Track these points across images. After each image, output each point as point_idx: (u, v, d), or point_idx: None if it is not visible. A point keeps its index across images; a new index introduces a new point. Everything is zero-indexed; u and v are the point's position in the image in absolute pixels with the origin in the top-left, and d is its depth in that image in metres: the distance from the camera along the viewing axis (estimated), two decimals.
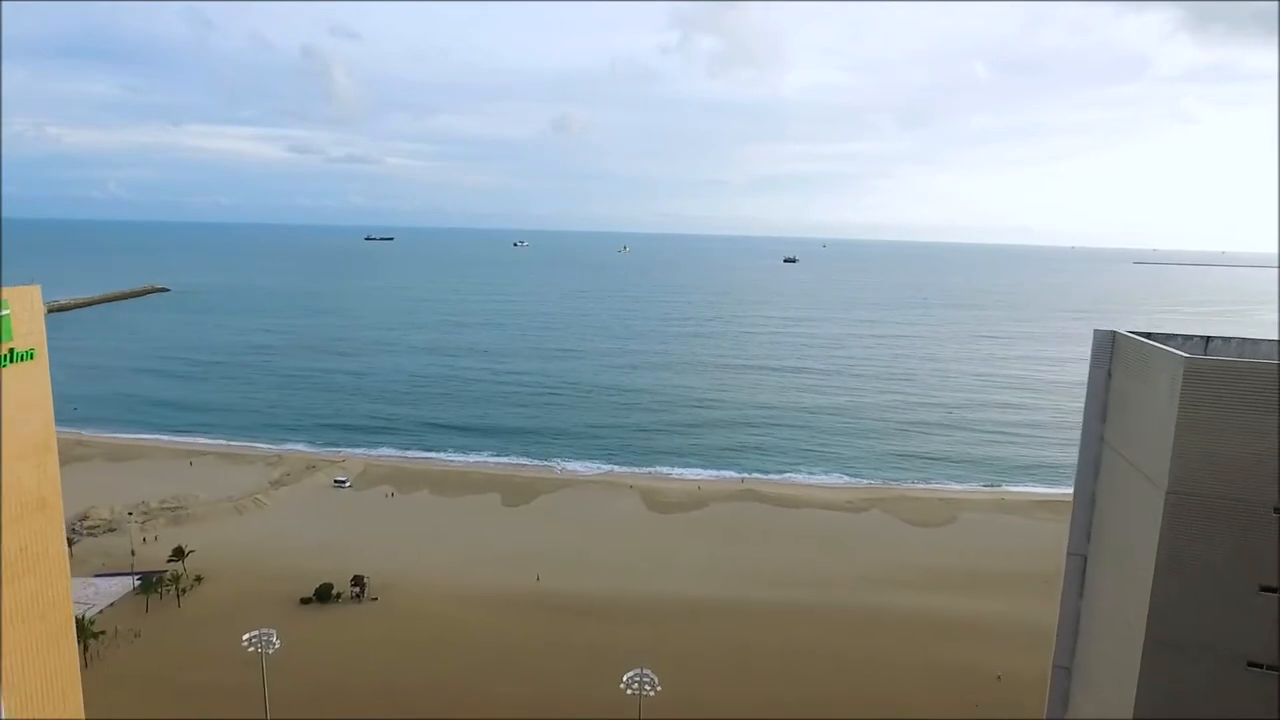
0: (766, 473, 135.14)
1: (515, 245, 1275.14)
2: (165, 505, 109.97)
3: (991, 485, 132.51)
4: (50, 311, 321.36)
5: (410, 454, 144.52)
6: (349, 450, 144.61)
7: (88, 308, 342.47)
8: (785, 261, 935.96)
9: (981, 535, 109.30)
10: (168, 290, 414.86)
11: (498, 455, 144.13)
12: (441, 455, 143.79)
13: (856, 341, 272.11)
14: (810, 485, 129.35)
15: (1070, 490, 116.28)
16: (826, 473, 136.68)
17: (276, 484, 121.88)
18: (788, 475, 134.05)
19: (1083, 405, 39.29)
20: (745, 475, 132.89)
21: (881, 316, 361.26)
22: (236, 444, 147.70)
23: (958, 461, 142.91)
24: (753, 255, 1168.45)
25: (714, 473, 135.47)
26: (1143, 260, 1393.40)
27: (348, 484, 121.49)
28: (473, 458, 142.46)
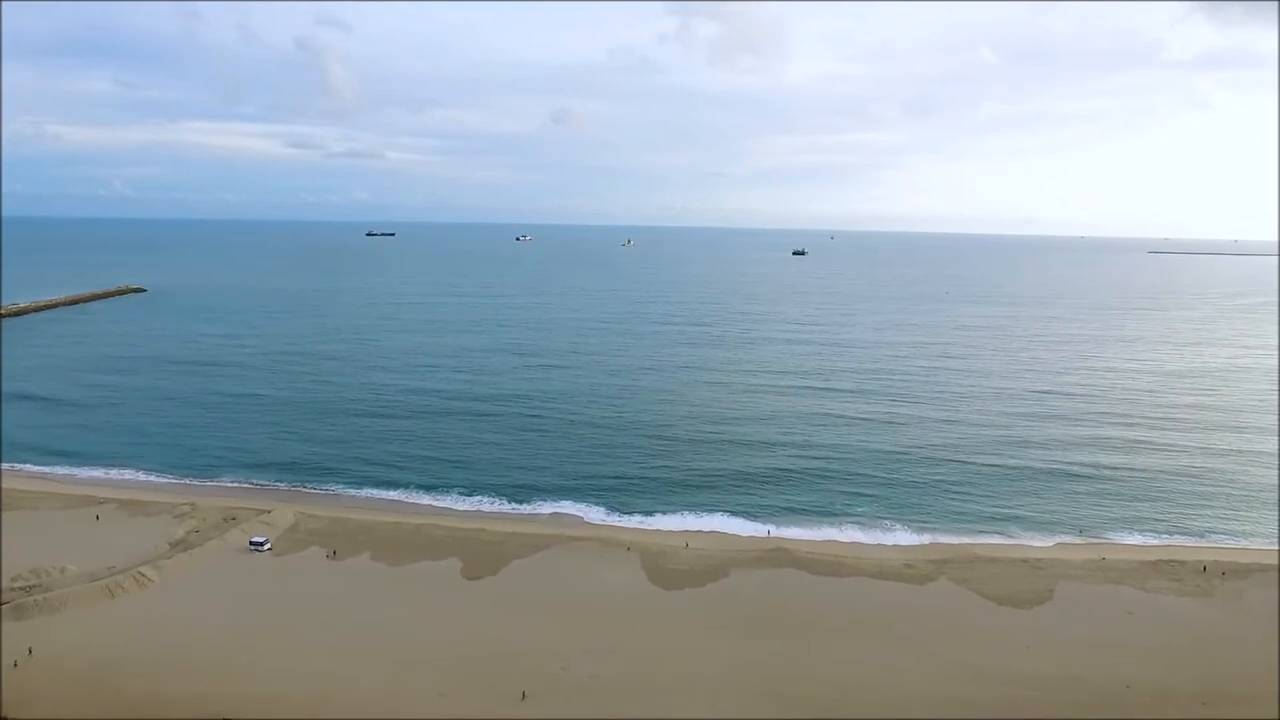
0: (798, 522, 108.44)
1: (518, 240, 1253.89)
2: (16, 584, 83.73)
3: (1083, 536, 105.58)
4: (9, 315, 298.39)
5: (360, 494, 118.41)
6: (285, 489, 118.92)
7: (48, 310, 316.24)
8: (794, 254, 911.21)
9: (1091, 620, 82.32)
10: (144, 290, 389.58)
11: (466, 495, 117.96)
12: (397, 496, 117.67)
13: (885, 349, 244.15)
14: (855, 543, 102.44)
15: (1187, 542, 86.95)
16: (874, 517, 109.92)
17: (177, 546, 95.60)
18: (825, 527, 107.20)
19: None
20: (772, 528, 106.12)
21: (904, 317, 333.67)
22: (152, 481, 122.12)
23: (1033, 506, 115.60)
24: (760, 248, 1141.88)
25: (732, 521, 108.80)
26: (1157, 250, 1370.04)
27: (267, 546, 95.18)
28: (435, 500, 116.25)
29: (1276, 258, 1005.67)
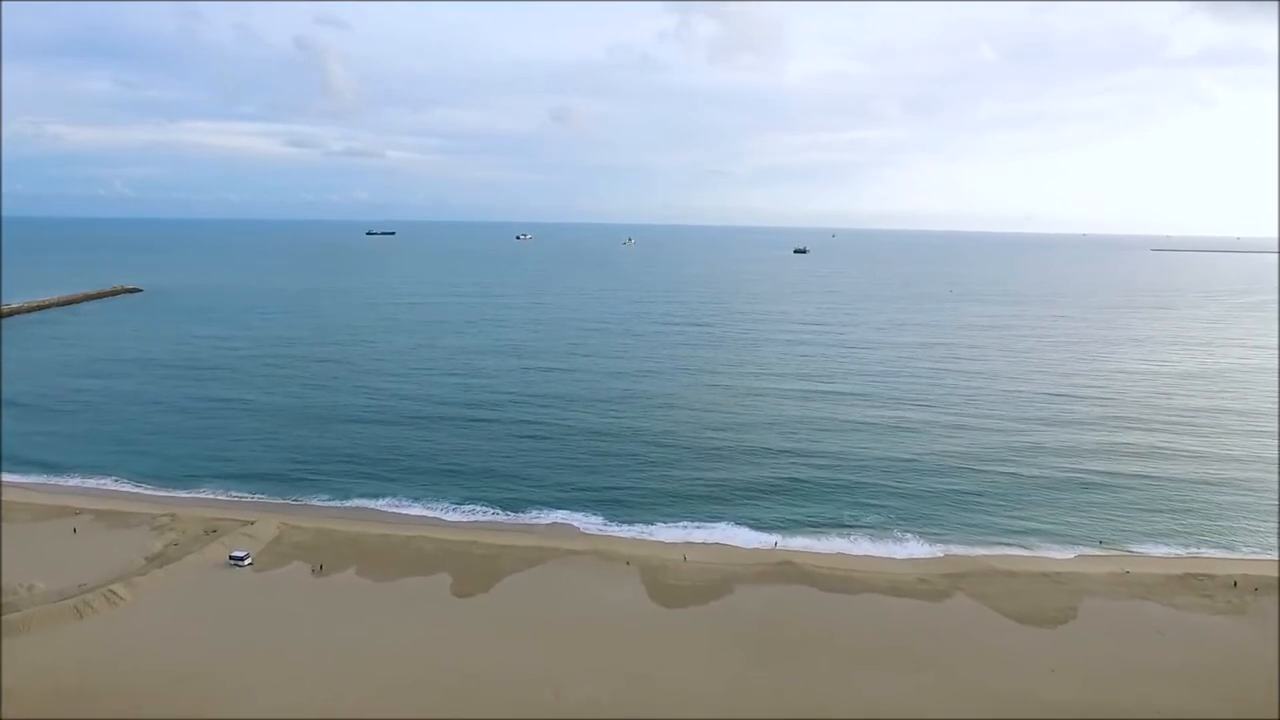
0: (805, 533, 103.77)
1: (518, 239, 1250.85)
2: None
3: (1104, 547, 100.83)
4: (3, 316, 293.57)
5: (348, 504, 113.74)
6: (269, 499, 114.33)
7: (39, 311, 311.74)
8: (795, 253, 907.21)
9: (1118, 640, 77.66)
10: (140, 291, 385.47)
11: (459, 504, 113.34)
12: (386, 505, 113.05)
13: (890, 350, 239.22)
14: (866, 555, 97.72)
15: (1214, 554, 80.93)
16: (884, 528, 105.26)
17: (154, 560, 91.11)
18: (834, 538, 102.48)
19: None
20: (778, 539, 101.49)
21: (908, 317, 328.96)
22: (133, 491, 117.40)
23: (1050, 516, 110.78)
24: (761, 246, 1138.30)
25: (736, 532, 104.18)
26: (1160, 248, 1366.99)
27: (248, 561, 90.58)
28: (426, 510, 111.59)
29: (1278, 255, 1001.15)
